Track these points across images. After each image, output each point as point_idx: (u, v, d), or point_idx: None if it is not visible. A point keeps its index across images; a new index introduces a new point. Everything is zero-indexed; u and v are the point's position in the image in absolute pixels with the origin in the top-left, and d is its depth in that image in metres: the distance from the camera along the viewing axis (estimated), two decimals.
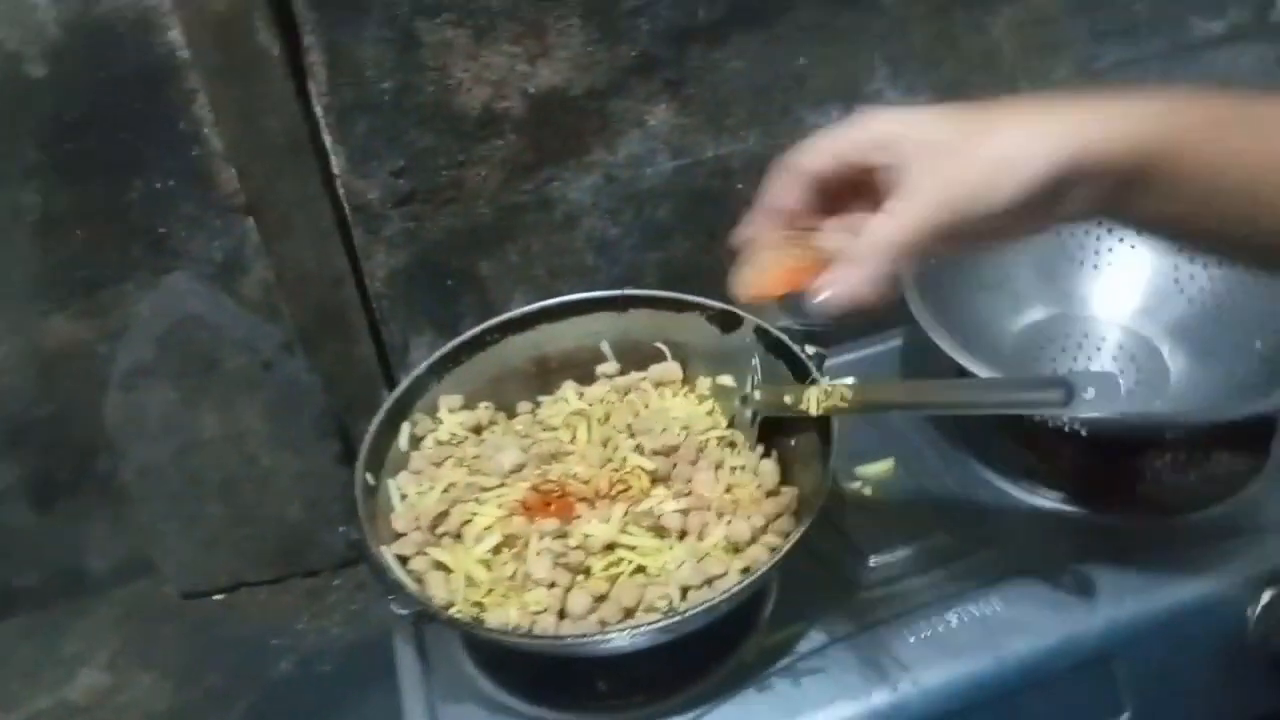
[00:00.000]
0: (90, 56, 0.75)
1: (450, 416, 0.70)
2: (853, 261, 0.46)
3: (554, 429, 0.71)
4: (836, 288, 0.46)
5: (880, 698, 0.61)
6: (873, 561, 0.68)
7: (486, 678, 0.65)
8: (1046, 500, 0.70)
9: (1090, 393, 0.49)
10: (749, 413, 0.68)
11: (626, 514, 0.60)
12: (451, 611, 0.56)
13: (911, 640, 0.63)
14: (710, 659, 0.63)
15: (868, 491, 0.73)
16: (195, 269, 0.84)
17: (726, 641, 0.64)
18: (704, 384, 0.72)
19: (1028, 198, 0.43)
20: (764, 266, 0.52)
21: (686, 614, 0.53)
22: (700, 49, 0.85)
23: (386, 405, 0.68)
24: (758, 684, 0.62)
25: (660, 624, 0.53)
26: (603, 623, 0.56)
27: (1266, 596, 0.63)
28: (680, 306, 0.74)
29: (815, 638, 0.64)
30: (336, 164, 0.83)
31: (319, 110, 0.81)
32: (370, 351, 0.92)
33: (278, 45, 0.76)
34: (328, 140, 0.83)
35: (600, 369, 0.75)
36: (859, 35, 0.88)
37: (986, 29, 0.91)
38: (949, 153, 0.45)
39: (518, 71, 0.83)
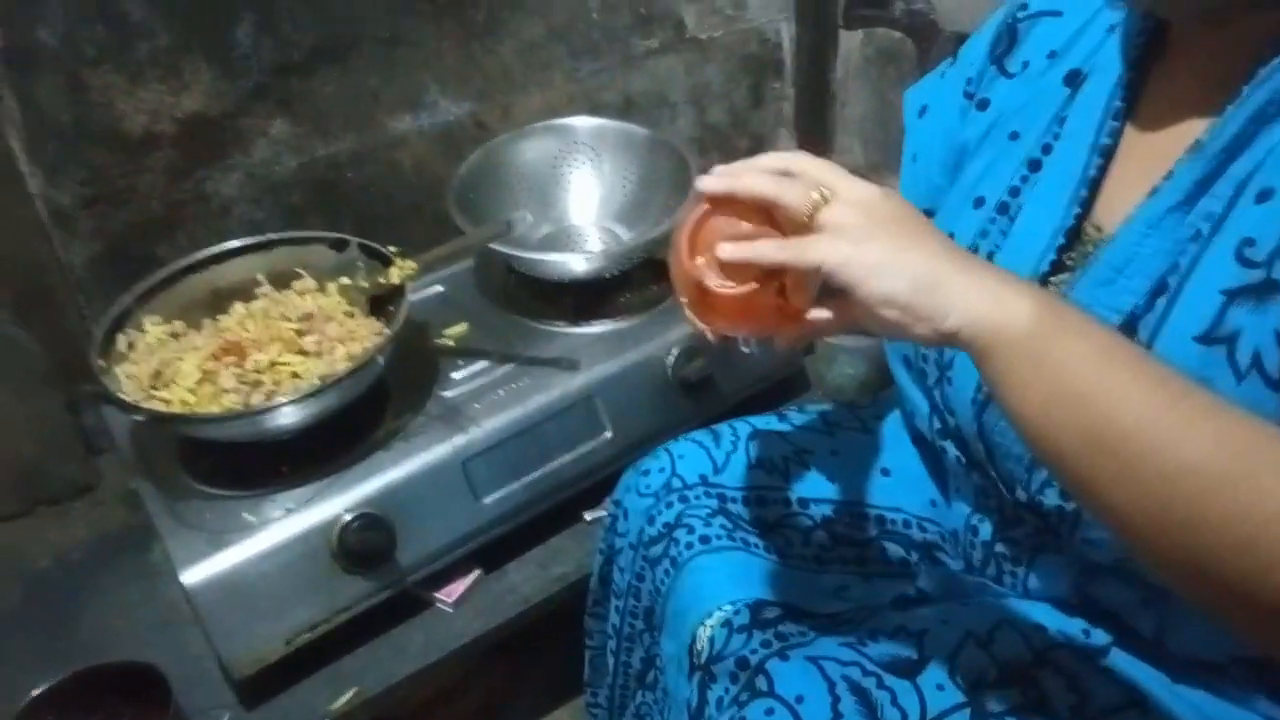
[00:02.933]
0: None
1: (153, 328, 1.03)
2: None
3: (231, 329, 1.05)
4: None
5: (460, 439, 1.01)
6: (454, 375, 1.09)
7: (201, 482, 0.98)
8: (555, 327, 1.15)
9: (518, 226, 0.94)
10: (361, 296, 1.07)
11: (281, 348, 0.97)
12: (172, 411, 0.90)
13: (476, 406, 1.04)
14: (354, 441, 1.01)
15: (451, 344, 1.13)
16: None
17: (364, 430, 1.02)
18: (331, 288, 1.10)
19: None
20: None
21: (326, 384, 0.91)
22: (298, 79, 1.23)
23: (105, 321, 1.00)
24: (385, 447, 1.00)
25: (308, 393, 0.90)
26: None
27: (674, 352, 1.11)
28: (308, 241, 1.12)
29: (420, 419, 1.04)
30: (34, 181, 1.13)
31: (16, 142, 1.11)
32: (78, 323, 1.21)
33: None
34: (24, 163, 1.12)
35: (259, 290, 1.11)
36: (411, 62, 1.30)
37: (498, 54, 1.37)
38: None
39: (167, 102, 1.17)
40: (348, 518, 0.95)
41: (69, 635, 1.04)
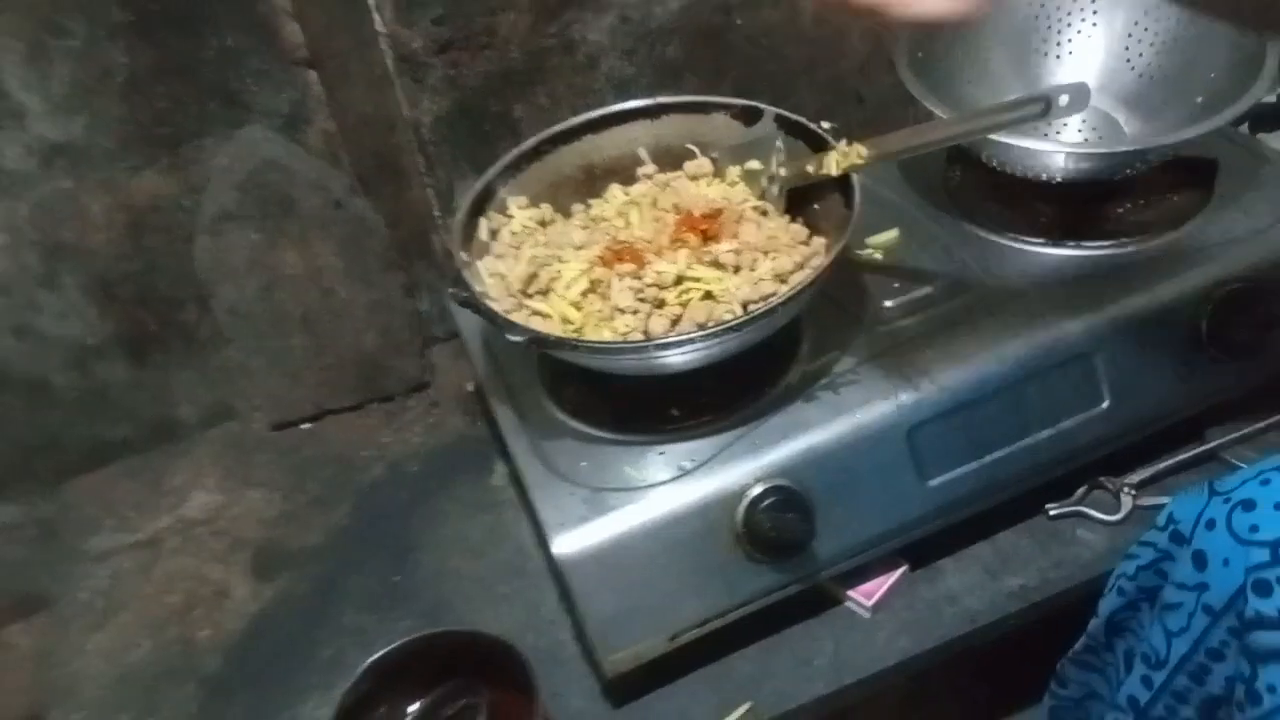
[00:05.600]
0: None
1: (520, 212, 0.81)
2: None
3: (608, 219, 0.82)
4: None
5: (906, 396, 0.74)
6: (887, 304, 0.81)
7: (569, 413, 0.77)
8: (1028, 245, 0.83)
9: (1065, 99, 0.62)
10: (776, 188, 0.81)
11: (689, 257, 0.73)
12: (557, 334, 0.68)
13: (927, 352, 0.76)
14: (763, 384, 0.76)
15: (879, 256, 0.85)
16: (266, 121, 0.94)
17: (775, 369, 0.77)
18: (733, 172, 0.84)
19: None
20: None
21: (755, 315, 0.66)
22: None
23: (468, 199, 0.79)
24: (804, 397, 0.75)
25: (732, 323, 0.66)
26: None
27: (1210, 299, 0.77)
28: (707, 109, 0.85)
29: (847, 361, 0.77)
30: (384, 15, 0.93)
31: None
32: (421, 194, 1.03)
33: None
34: None
35: (640, 171, 0.86)
36: None
37: None
38: None
39: None
40: (758, 490, 0.71)
41: (407, 571, 0.89)
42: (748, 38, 1.06)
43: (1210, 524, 0.59)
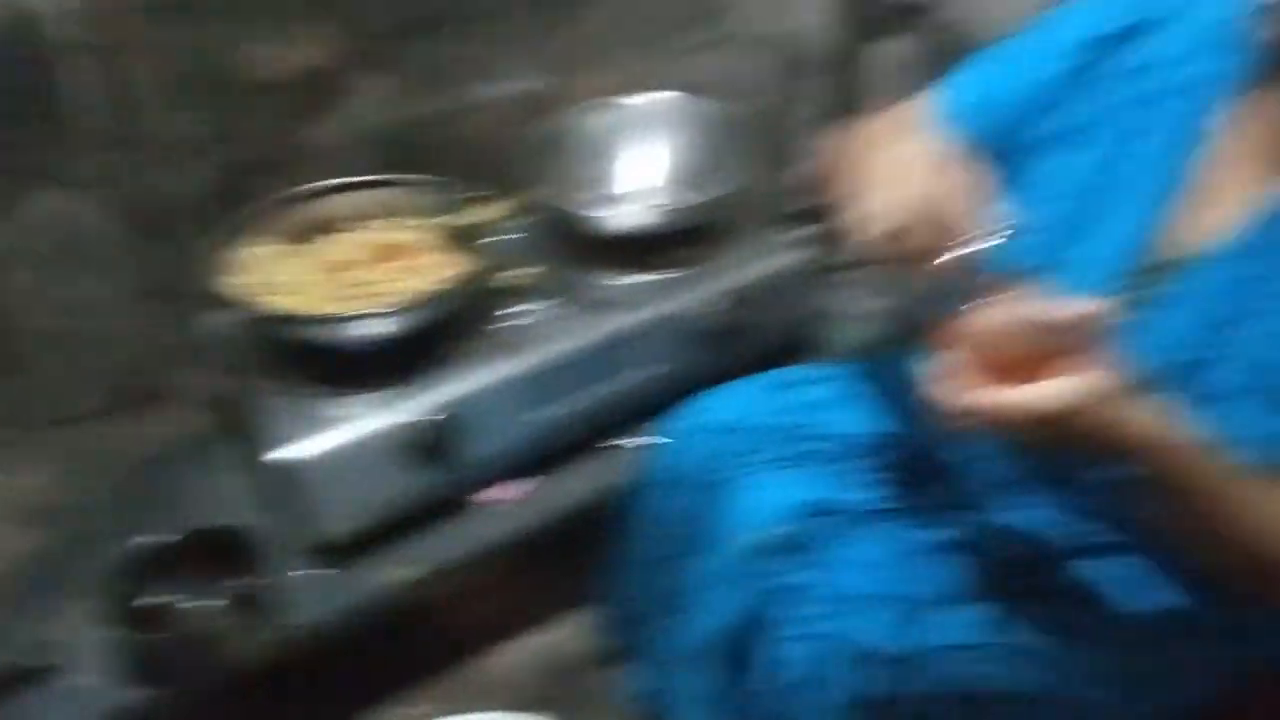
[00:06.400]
0: None
1: (263, 247, 1.19)
2: None
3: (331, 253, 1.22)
4: None
5: (516, 363, 1.16)
6: (517, 309, 1.24)
7: (294, 382, 1.13)
8: (609, 275, 1.29)
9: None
10: (446, 233, 1.23)
11: (381, 269, 1.13)
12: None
13: (536, 335, 1.19)
14: (429, 355, 1.16)
15: (519, 282, 1.28)
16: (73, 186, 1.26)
17: (436, 348, 1.17)
18: (423, 224, 1.25)
19: None
20: None
21: (418, 300, 1.07)
22: (401, 43, 1.39)
23: (223, 236, 1.16)
24: (452, 365, 1.15)
25: (401, 306, 1.06)
26: None
27: (713, 303, 1.26)
28: (404, 184, 1.28)
29: (486, 344, 1.19)
30: (177, 117, 1.29)
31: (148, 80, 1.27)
32: (191, 244, 1.37)
33: None
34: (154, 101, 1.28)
35: (358, 225, 1.26)
36: (495, 37, 1.46)
37: (572, 37, 1.52)
38: None
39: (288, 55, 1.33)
40: (423, 421, 1.09)
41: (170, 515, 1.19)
42: (437, 147, 1.50)
43: (681, 425, 1.05)
